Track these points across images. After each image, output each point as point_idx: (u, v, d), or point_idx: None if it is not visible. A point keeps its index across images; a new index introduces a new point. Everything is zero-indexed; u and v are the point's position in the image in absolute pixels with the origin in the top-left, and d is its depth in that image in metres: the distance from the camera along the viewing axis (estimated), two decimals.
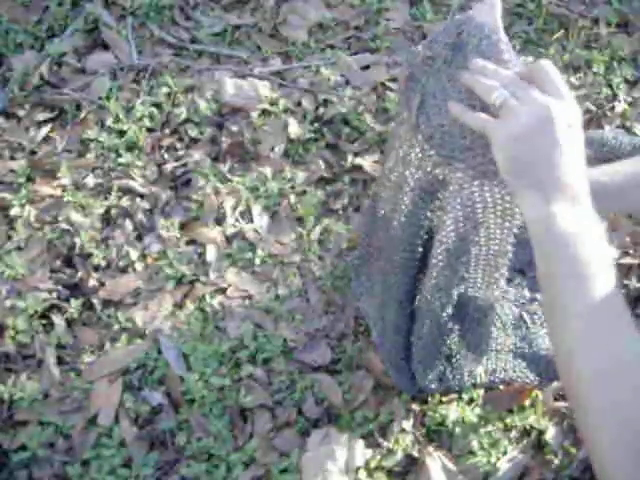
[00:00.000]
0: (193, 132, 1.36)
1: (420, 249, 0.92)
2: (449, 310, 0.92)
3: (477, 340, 0.99)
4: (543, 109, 0.66)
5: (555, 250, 0.66)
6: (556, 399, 1.07)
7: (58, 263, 1.20)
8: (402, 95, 0.84)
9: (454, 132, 0.76)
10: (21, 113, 1.39)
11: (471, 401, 1.05)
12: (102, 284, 1.17)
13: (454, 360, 1.01)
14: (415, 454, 1.02)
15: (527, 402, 1.05)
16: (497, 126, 0.68)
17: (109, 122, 1.36)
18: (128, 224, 1.24)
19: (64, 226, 1.22)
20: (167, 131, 1.37)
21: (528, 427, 1.03)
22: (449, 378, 1.02)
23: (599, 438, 0.62)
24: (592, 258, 0.66)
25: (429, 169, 0.82)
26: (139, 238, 1.23)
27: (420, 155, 0.83)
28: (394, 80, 1.44)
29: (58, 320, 1.13)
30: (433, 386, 1.01)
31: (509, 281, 1.14)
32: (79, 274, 1.18)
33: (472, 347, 1.00)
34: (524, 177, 0.67)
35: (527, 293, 1.13)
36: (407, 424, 1.04)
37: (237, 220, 1.25)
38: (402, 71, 0.85)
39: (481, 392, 1.06)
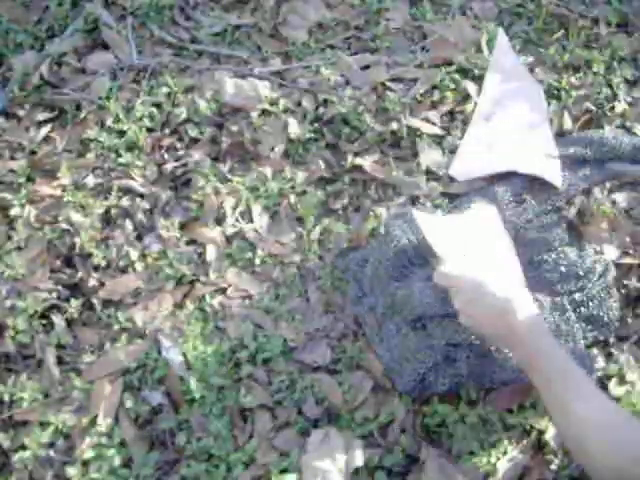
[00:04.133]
0: (193, 132, 1.36)
1: None
2: None
3: None
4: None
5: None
6: None
7: (58, 263, 1.20)
8: None
9: None
10: (21, 113, 1.39)
11: (471, 401, 1.05)
12: (102, 284, 1.17)
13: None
14: (415, 454, 1.02)
15: (527, 402, 1.05)
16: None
17: (109, 122, 1.36)
18: (128, 224, 1.24)
19: (64, 226, 1.22)
20: (167, 131, 1.37)
21: (528, 427, 1.03)
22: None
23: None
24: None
25: None
26: (139, 238, 1.23)
27: None
28: (394, 80, 1.44)
29: (58, 320, 1.13)
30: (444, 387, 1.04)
31: None
32: (79, 274, 1.18)
33: None
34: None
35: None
36: (407, 424, 1.04)
37: (237, 220, 1.25)
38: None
39: (481, 392, 1.06)
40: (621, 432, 0.82)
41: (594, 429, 0.82)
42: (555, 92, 1.42)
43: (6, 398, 1.05)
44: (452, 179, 1.30)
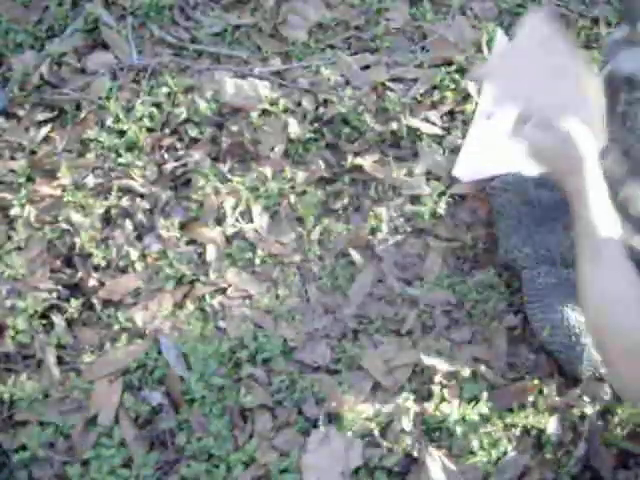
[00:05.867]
0: (193, 132, 1.36)
1: None
2: None
3: None
4: None
5: None
6: (559, 396, 1.07)
7: (58, 263, 1.20)
8: None
9: None
10: (21, 113, 1.39)
11: (471, 400, 1.05)
12: (102, 284, 1.17)
13: None
14: (415, 454, 1.01)
15: (527, 402, 1.05)
16: None
17: (109, 122, 1.36)
18: (128, 224, 1.24)
19: (64, 226, 1.22)
20: (167, 131, 1.37)
21: (528, 427, 1.03)
22: None
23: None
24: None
25: None
26: (139, 238, 1.23)
27: None
28: (394, 80, 1.44)
29: (58, 320, 1.13)
30: None
31: None
32: (79, 274, 1.18)
33: None
34: None
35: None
36: (407, 424, 1.04)
37: (237, 220, 1.25)
38: None
39: (481, 392, 1.06)
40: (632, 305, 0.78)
41: (603, 296, 0.80)
42: None
43: (6, 398, 1.05)
44: (455, 180, 1.30)
